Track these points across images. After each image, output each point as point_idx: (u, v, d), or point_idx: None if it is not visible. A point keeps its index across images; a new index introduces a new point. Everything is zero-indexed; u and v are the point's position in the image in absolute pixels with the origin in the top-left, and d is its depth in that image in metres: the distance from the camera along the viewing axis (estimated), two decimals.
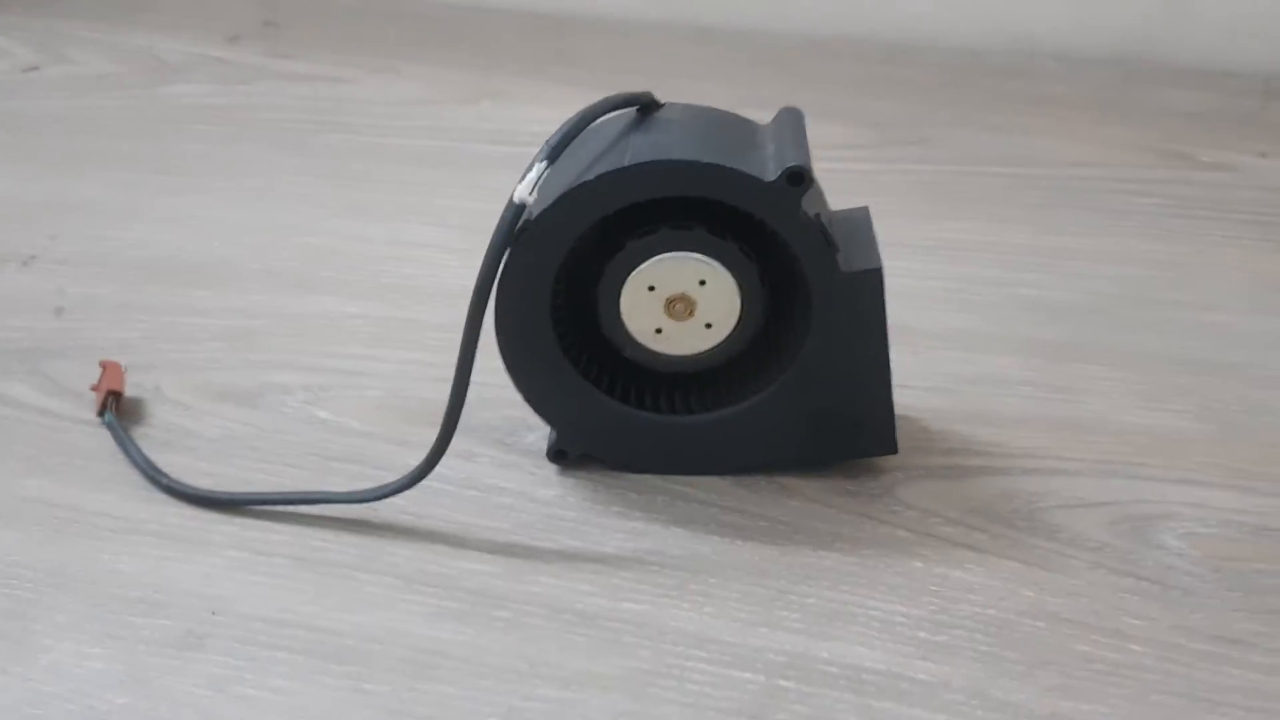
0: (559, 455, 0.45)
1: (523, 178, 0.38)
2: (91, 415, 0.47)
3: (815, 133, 0.70)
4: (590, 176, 0.38)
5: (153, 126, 0.73)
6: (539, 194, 0.38)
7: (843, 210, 0.44)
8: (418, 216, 0.62)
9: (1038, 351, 0.51)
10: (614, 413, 0.43)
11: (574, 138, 0.38)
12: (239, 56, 0.84)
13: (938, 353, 0.51)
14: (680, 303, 0.40)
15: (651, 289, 0.40)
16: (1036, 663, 0.37)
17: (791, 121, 0.41)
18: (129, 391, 0.48)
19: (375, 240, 0.61)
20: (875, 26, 0.82)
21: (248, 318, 0.54)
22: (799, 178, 0.38)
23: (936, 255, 0.58)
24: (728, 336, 0.41)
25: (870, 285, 0.40)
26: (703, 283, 0.40)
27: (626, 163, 0.38)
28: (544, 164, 0.38)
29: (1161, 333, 0.52)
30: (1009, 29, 0.81)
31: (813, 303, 0.40)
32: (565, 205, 0.39)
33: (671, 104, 0.42)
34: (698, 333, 0.41)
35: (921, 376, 0.50)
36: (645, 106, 0.41)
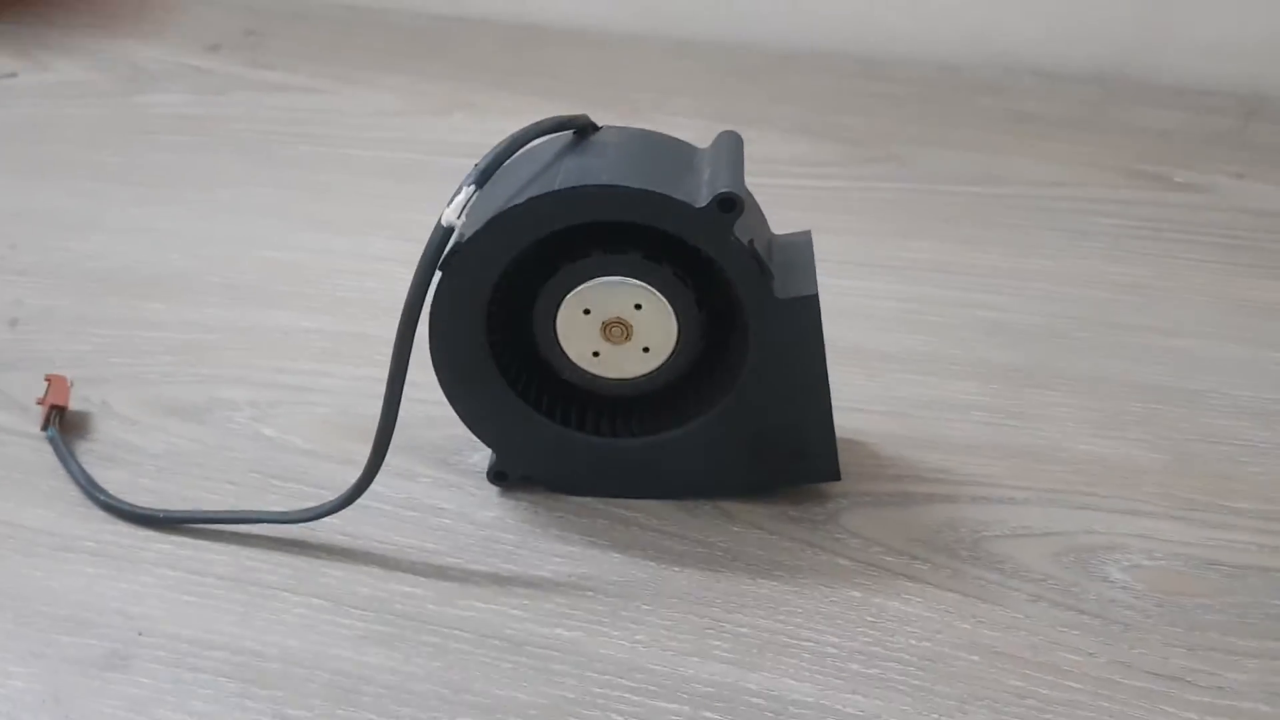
0: (499, 477, 0.44)
1: (450, 201, 0.37)
2: (37, 429, 0.47)
3: (786, 148, 0.70)
4: (520, 200, 0.37)
5: (125, 136, 0.73)
6: (468, 217, 0.37)
7: (785, 235, 0.43)
8: (382, 230, 0.62)
9: (995, 376, 0.51)
10: (553, 435, 0.43)
11: (504, 161, 0.38)
12: (218, 66, 0.84)
13: (892, 375, 0.51)
14: (617, 326, 0.40)
15: (587, 312, 0.40)
16: (968, 698, 0.37)
17: (729, 145, 0.40)
18: (77, 405, 0.48)
19: (337, 253, 0.60)
20: (852, 40, 0.82)
21: (203, 331, 0.54)
22: (730, 203, 0.37)
23: (898, 275, 0.58)
24: (665, 361, 0.41)
25: (806, 311, 0.39)
26: (638, 307, 0.40)
27: (557, 186, 0.37)
28: (472, 187, 0.37)
29: (1121, 358, 0.52)
30: (988, 44, 0.80)
31: (750, 328, 0.40)
32: (494, 229, 0.38)
33: (609, 127, 0.41)
34: (635, 356, 0.41)
35: (875, 399, 0.49)
36: (582, 130, 0.40)
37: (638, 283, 0.39)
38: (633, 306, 0.40)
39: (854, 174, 0.68)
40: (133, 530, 0.42)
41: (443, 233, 0.38)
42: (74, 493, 0.44)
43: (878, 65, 0.81)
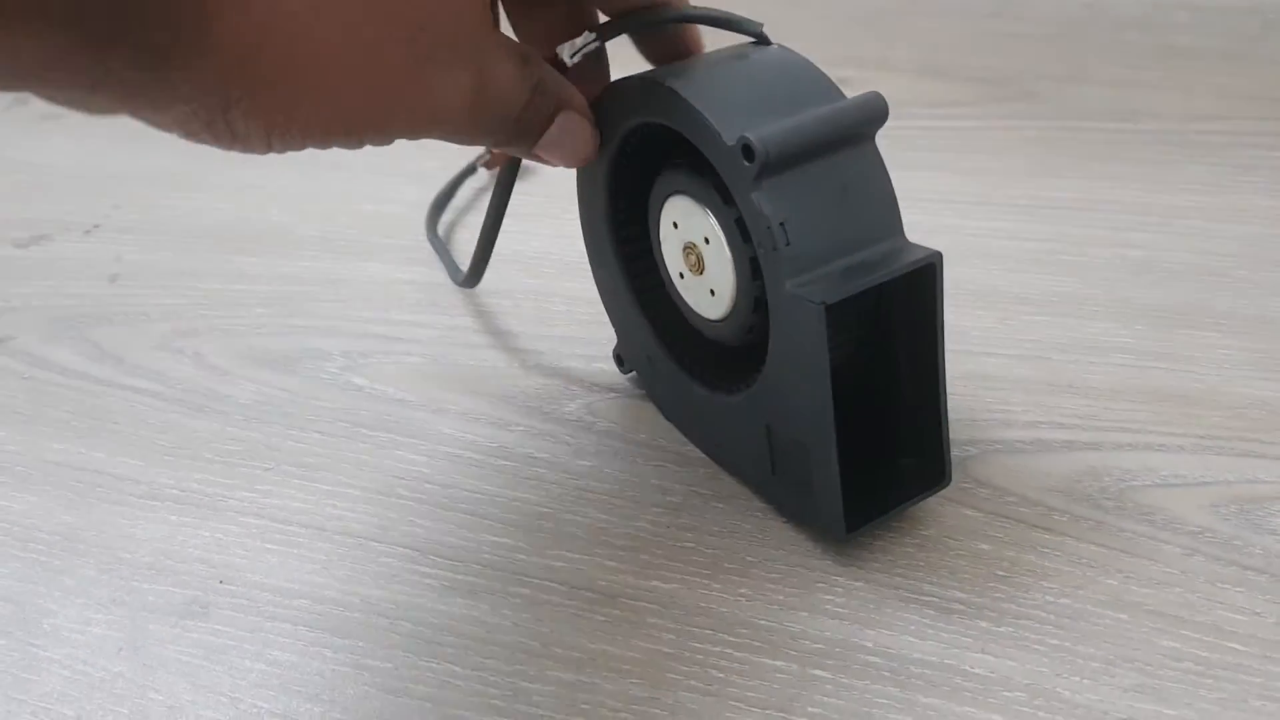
0: (618, 360, 0.43)
1: (569, 40, 0.36)
2: (130, 380, 0.46)
3: (912, 90, 0.66)
4: (626, 77, 0.36)
5: None
6: None
7: (910, 244, 0.34)
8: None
9: (1142, 316, 0.46)
10: (650, 341, 0.40)
11: (632, 29, 0.36)
12: None
13: (1027, 317, 0.46)
14: (692, 254, 0.36)
15: (675, 225, 0.37)
16: (1115, 659, 0.32)
17: (855, 105, 0.33)
18: (170, 357, 0.47)
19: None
20: None
21: (297, 284, 0.52)
22: (750, 152, 0.31)
23: (1035, 214, 0.53)
24: (727, 313, 0.36)
25: (809, 320, 0.32)
26: (707, 241, 0.36)
27: (655, 76, 0.34)
28: (593, 35, 0.35)
29: None
30: None
31: (769, 309, 0.34)
32: (605, 97, 0.36)
33: (769, 47, 0.36)
34: (705, 296, 0.37)
35: (1007, 343, 0.45)
36: (757, 37, 0.36)
37: (707, 214, 0.35)
38: (703, 239, 0.36)
39: (988, 113, 0.63)
40: (218, 478, 0.41)
41: (560, 67, 0.36)
42: (161, 441, 0.43)
43: (1013, 5, 0.75)
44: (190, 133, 0.28)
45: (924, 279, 0.33)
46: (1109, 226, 0.52)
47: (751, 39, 0.36)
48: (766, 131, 0.31)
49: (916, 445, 0.36)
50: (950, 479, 0.36)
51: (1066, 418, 0.41)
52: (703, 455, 0.41)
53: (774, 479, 0.37)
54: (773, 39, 0.36)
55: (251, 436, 0.43)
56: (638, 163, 0.38)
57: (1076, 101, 0.64)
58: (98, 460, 0.42)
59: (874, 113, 0.33)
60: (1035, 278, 0.49)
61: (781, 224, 0.32)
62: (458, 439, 0.42)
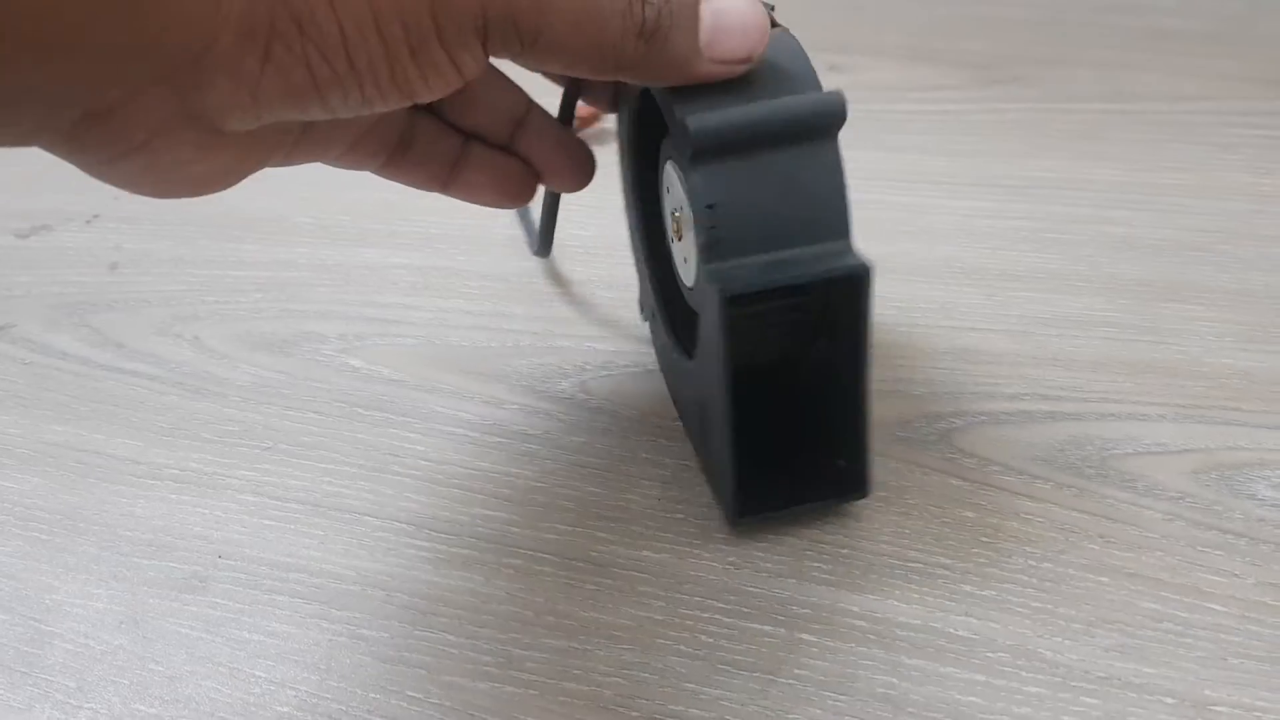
0: (641, 306, 0.44)
1: None
2: (129, 364, 0.47)
3: (902, 74, 0.67)
4: None
5: None
6: None
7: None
8: None
9: (1126, 291, 0.47)
10: (651, 291, 0.41)
11: None
12: None
13: (1013, 293, 0.47)
14: (675, 220, 0.36)
15: (668, 190, 0.37)
16: (1096, 621, 0.33)
17: (809, 101, 0.32)
18: (169, 342, 0.48)
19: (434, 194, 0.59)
20: None
21: (293, 269, 0.53)
22: (683, 130, 0.31)
23: (1021, 194, 0.54)
24: (694, 284, 0.36)
25: (714, 304, 0.31)
26: (681, 210, 0.35)
27: None
28: None
29: (1267, 270, 0.47)
30: None
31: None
32: None
33: (779, 30, 0.34)
34: (682, 262, 0.37)
35: (992, 318, 0.46)
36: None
37: (680, 183, 0.35)
38: (683, 207, 0.35)
39: (976, 96, 0.64)
40: (217, 458, 0.42)
41: None
42: (161, 423, 0.44)
43: None
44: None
45: (852, 288, 0.32)
46: (1094, 205, 0.53)
47: None
48: (710, 115, 0.31)
49: (844, 451, 0.36)
50: (868, 491, 0.36)
51: (1050, 389, 0.42)
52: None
53: (704, 451, 0.38)
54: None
55: (249, 417, 0.44)
56: (655, 119, 0.38)
57: (1063, 84, 0.64)
58: (98, 442, 0.43)
59: (829, 111, 0.31)
60: (1021, 255, 0.50)
61: (709, 206, 0.31)
62: (452, 417, 0.43)
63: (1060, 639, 0.33)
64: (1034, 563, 0.35)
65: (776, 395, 0.36)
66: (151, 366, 0.47)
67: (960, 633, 0.33)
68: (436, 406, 0.43)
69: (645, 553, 0.36)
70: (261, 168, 0.32)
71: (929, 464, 0.39)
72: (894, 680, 0.32)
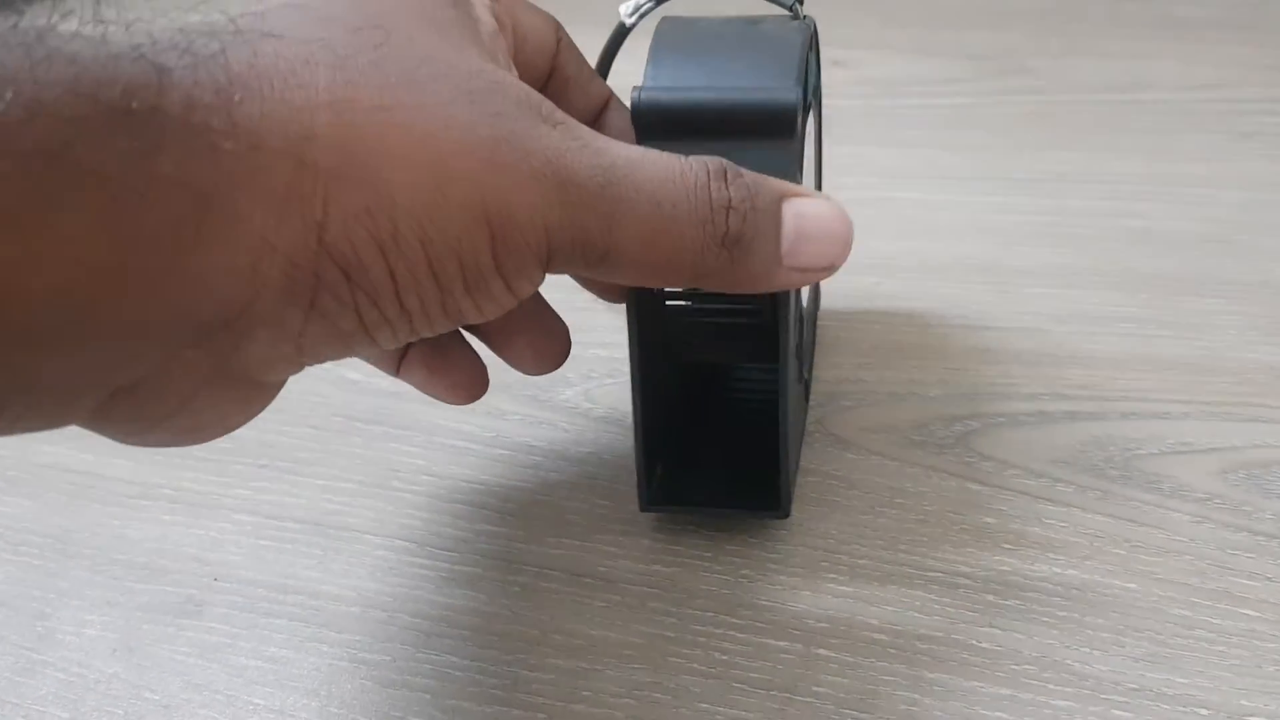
0: None
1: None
2: None
3: (908, 69, 0.65)
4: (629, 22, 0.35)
5: None
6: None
7: None
8: None
9: (1145, 286, 0.45)
10: None
11: None
12: None
13: (1027, 290, 0.46)
14: None
15: None
16: (1125, 629, 0.32)
17: (755, 97, 0.31)
18: None
19: None
20: None
21: None
22: (635, 105, 0.31)
23: (1033, 188, 0.53)
24: None
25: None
26: None
27: (670, 18, 0.34)
28: None
29: None
30: None
31: None
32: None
33: (793, 21, 0.34)
34: None
35: (1007, 316, 0.44)
36: (791, 12, 0.34)
37: None
38: None
39: (984, 89, 0.63)
40: (211, 477, 0.41)
41: (620, 28, 0.35)
42: None
43: None
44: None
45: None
46: (1109, 197, 0.51)
47: (786, 11, 0.35)
48: (662, 93, 0.31)
49: (765, 465, 0.35)
50: (786, 513, 0.35)
51: (1069, 389, 0.41)
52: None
53: None
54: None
55: (244, 434, 0.42)
56: None
57: (1073, 74, 0.63)
58: (88, 462, 0.42)
59: (770, 111, 0.31)
60: (1035, 250, 0.48)
61: None
62: (453, 429, 0.42)
63: (1088, 649, 0.31)
64: (1058, 570, 0.34)
65: (709, 397, 0.36)
66: None
67: (984, 645, 0.32)
68: (437, 419, 0.42)
69: (656, 567, 0.35)
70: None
71: (946, 468, 0.38)
72: (916, 696, 0.31)
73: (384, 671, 0.33)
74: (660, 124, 0.31)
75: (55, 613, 0.36)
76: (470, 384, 0.35)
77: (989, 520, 0.36)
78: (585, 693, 0.32)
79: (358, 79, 0.24)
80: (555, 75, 0.33)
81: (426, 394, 0.36)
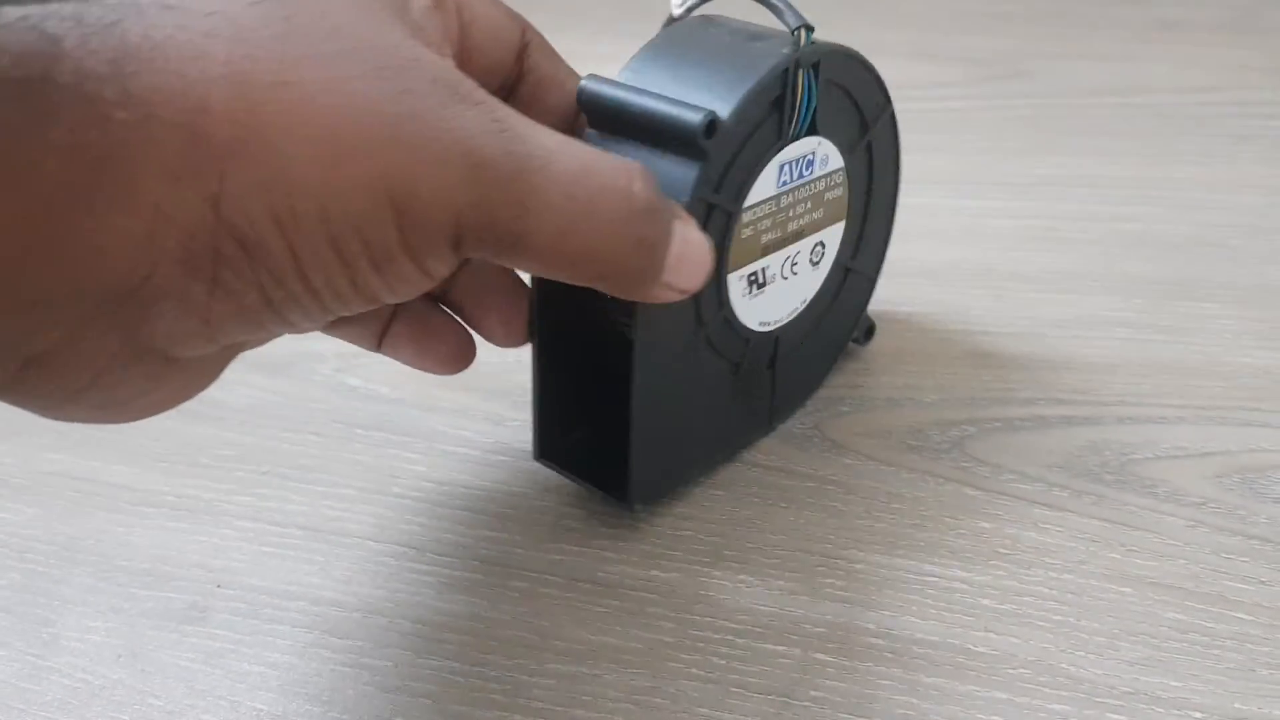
0: None
1: None
2: None
3: (903, 73, 0.66)
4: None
5: None
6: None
7: None
8: None
9: (1140, 290, 0.46)
10: None
11: None
12: None
13: (1023, 295, 0.46)
14: None
15: None
16: (1120, 633, 0.32)
17: (673, 110, 0.32)
18: None
19: None
20: None
21: None
22: (578, 94, 0.32)
23: (1029, 192, 0.53)
24: None
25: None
26: None
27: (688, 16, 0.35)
28: None
29: None
30: None
31: None
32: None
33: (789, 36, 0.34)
34: None
35: (1002, 321, 0.45)
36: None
37: None
38: None
39: (979, 93, 0.63)
40: (213, 484, 0.41)
41: (669, 21, 0.35)
42: (156, 449, 0.43)
43: None
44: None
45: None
46: (1104, 201, 0.52)
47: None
48: (603, 86, 0.32)
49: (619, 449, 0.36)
50: (631, 505, 0.36)
51: (1065, 393, 0.41)
52: (743, 450, 0.40)
53: None
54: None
55: (246, 441, 0.43)
56: None
57: (1069, 78, 0.63)
58: (92, 469, 0.42)
59: (676, 127, 0.31)
60: (1031, 255, 0.49)
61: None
62: (453, 436, 0.42)
63: (1083, 653, 0.32)
64: (1054, 574, 0.34)
65: (594, 369, 0.36)
66: None
67: (980, 649, 0.32)
68: (437, 425, 0.42)
69: (654, 572, 0.36)
70: (229, 362, 0.30)
71: (942, 473, 0.38)
72: (913, 700, 0.31)
73: (386, 677, 0.33)
74: (597, 117, 0.32)
75: (60, 619, 0.36)
76: (459, 354, 0.36)
77: (985, 525, 0.36)
78: (585, 697, 0.32)
79: (258, 53, 0.24)
80: (530, 75, 0.33)
81: (416, 368, 0.36)
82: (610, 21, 0.79)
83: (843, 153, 0.37)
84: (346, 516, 0.39)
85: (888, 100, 0.38)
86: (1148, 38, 0.67)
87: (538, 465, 0.40)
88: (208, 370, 0.29)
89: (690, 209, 0.31)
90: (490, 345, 0.36)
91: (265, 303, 0.25)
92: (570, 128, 0.34)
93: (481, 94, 0.26)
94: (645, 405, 0.34)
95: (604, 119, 0.32)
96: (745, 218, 0.34)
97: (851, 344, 0.43)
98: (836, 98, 0.36)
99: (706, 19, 0.35)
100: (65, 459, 0.43)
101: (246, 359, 0.47)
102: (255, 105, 0.23)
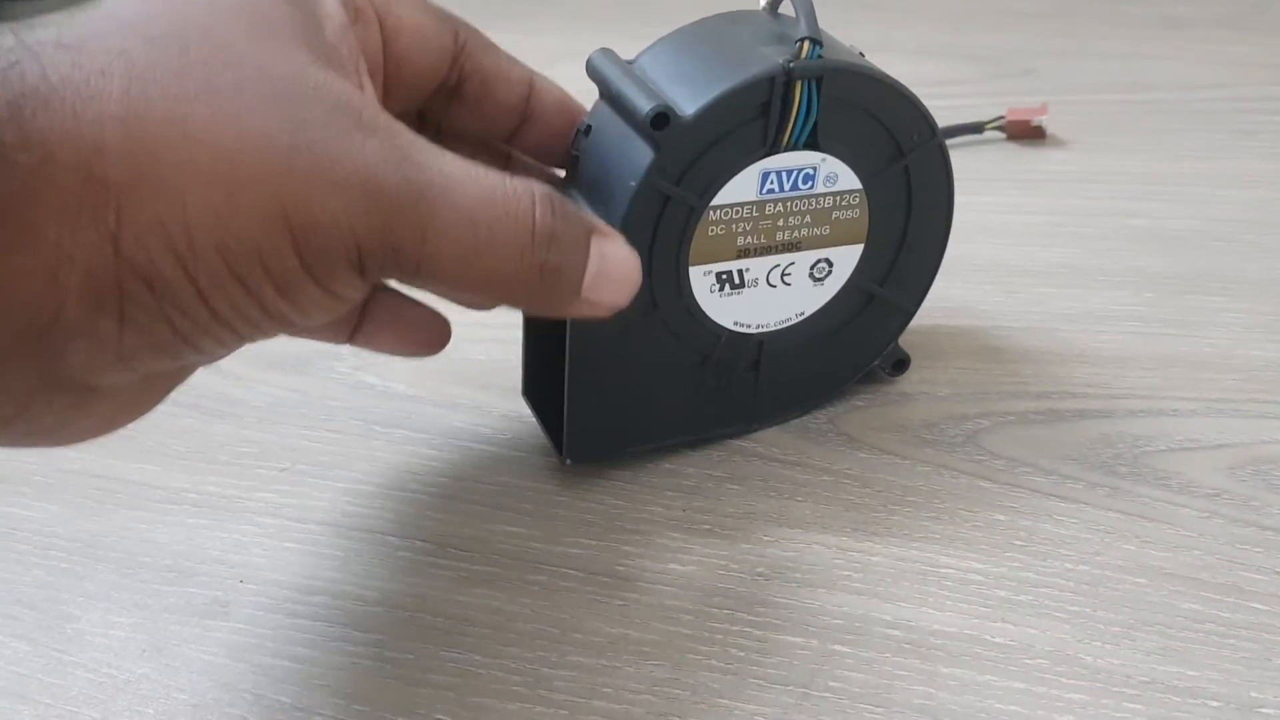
0: None
1: None
2: None
3: (911, 70, 0.66)
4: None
5: None
6: None
7: None
8: None
9: (1149, 284, 0.46)
10: None
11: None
12: None
13: (1034, 290, 0.46)
14: None
15: None
16: (1136, 623, 0.32)
17: (639, 101, 0.33)
18: None
19: None
20: None
21: None
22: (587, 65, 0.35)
23: (1038, 188, 0.53)
24: None
25: None
26: None
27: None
28: None
29: None
30: None
31: None
32: None
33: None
34: None
35: (1014, 315, 0.45)
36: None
37: None
38: None
39: (988, 90, 0.63)
40: (235, 481, 0.41)
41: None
42: (179, 447, 0.43)
43: None
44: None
45: None
46: (1113, 197, 0.52)
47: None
48: (605, 60, 0.34)
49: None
50: (564, 459, 0.39)
51: (1077, 387, 0.41)
52: (716, 439, 0.41)
53: None
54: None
55: (266, 438, 0.43)
56: None
57: (1075, 75, 0.64)
58: (115, 467, 0.42)
59: (634, 114, 0.32)
60: (1041, 250, 0.49)
61: (585, 128, 0.35)
62: (470, 432, 0.42)
63: (1100, 643, 0.32)
64: (1070, 565, 0.34)
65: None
66: None
67: (997, 639, 0.32)
68: (454, 422, 0.43)
69: (672, 565, 0.36)
70: (174, 387, 0.30)
71: (957, 467, 0.38)
72: (931, 690, 0.31)
73: (408, 670, 0.33)
74: (599, 88, 0.34)
75: (84, 615, 0.37)
76: (437, 338, 0.37)
77: (1000, 517, 0.36)
78: (605, 689, 0.32)
79: (151, 90, 0.24)
80: (474, 74, 0.34)
81: (397, 355, 0.38)
82: (620, 22, 0.79)
83: (861, 175, 0.36)
84: (366, 512, 0.39)
85: (934, 133, 0.37)
86: (1152, 35, 0.67)
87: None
88: (139, 398, 0.29)
89: (641, 196, 0.33)
90: (507, 345, 0.37)
91: (175, 334, 0.25)
92: (523, 118, 0.35)
93: (385, 120, 0.27)
94: (580, 372, 0.36)
95: (604, 92, 0.34)
96: (714, 216, 0.35)
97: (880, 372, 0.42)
98: (856, 118, 0.35)
99: (743, 14, 0.35)
100: (87, 458, 0.43)
101: (264, 358, 0.47)
102: (149, 142, 0.24)
